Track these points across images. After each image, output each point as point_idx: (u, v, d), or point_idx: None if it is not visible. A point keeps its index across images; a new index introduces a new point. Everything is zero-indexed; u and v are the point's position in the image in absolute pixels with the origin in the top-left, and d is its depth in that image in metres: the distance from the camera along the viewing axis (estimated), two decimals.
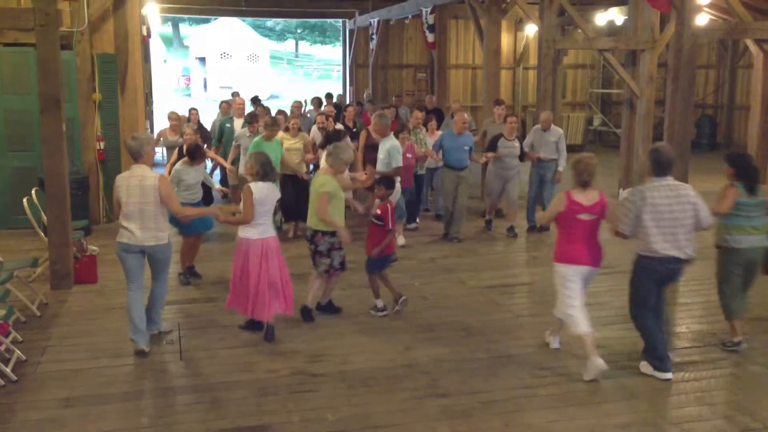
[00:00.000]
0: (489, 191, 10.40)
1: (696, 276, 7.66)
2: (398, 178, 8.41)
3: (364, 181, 7.44)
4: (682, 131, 9.06)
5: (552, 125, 10.29)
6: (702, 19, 10.74)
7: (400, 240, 9.23)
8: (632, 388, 5.28)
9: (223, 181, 11.79)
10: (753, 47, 12.30)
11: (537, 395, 5.19)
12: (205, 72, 43.12)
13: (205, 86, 42.31)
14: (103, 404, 5.01)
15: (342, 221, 6.53)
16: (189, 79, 43.94)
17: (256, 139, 9.15)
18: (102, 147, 10.40)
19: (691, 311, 7.07)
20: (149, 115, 15.51)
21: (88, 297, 7.30)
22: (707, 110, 21.23)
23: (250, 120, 10.13)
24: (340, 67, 24.69)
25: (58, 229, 7.55)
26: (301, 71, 50.36)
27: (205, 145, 9.68)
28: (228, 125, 11.50)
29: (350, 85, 21.99)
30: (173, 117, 11.36)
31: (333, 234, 6.50)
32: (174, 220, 6.61)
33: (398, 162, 8.55)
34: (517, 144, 9.91)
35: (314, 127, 11.19)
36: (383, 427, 4.73)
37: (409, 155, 9.48)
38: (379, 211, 6.73)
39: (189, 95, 40.55)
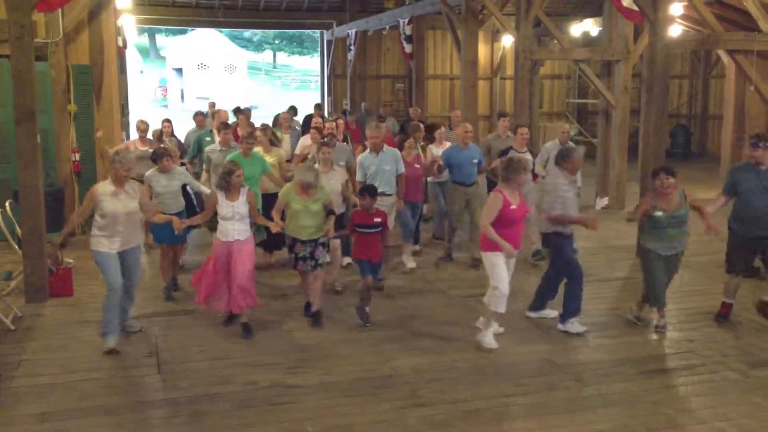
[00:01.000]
0: None
1: (674, 283, 7.75)
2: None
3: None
4: (657, 141, 9.18)
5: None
6: (675, 31, 10.89)
7: (410, 263, 8.74)
8: (610, 396, 5.31)
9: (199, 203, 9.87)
10: (725, 58, 12.56)
11: (517, 404, 5.20)
12: (182, 83, 42.95)
13: (182, 97, 42.12)
14: (79, 418, 4.93)
15: (302, 229, 6.72)
16: (166, 90, 43.72)
17: (233, 155, 8.08)
18: (77, 158, 10.30)
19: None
20: (125, 126, 15.39)
21: (64, 310, 7.20)
22: (681, 120, 21.54)
23: (223, 128, 9.09)
24: (318, 78, 24.70)
25: (32, 242, 7.45)
26: (279, 82, 50.34)
27: (181, 162, 9.20)
28: (208, 139, 10.28)
29: (328, 95, 22.03)
30: (142, 126, 10.51)
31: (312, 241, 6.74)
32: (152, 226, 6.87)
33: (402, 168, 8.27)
34: (529, 157, 8.80)
35: (304, 139, 10.14)
36: None
37: (416, 165, 8.86)
38: (379, 219, 6.77)
39: (166, 106, 40.34)
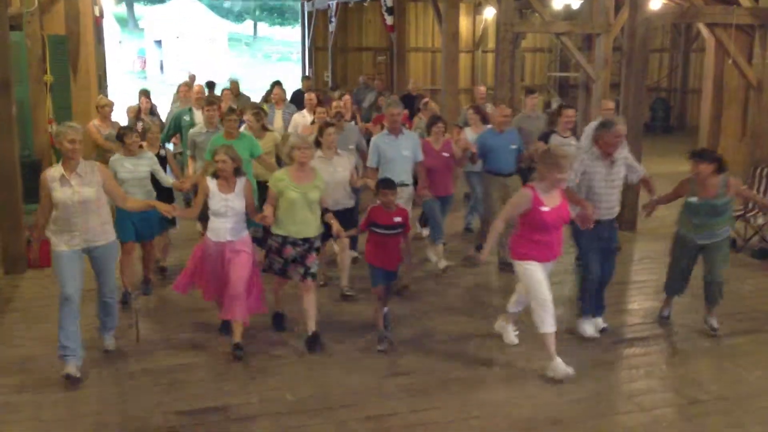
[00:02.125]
0: None
1: (649, 255, 7.87)
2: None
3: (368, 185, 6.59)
4: (636, 114, 9.24)
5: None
6: (655, 4, 10.93)
7: (441, 262, 7.59)
8: (586, 365, 5.41)
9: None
10: (705, 31, 12.57)
11: (494, 374, 5.29)
12: (161, 54, 42.35)
13: (161, 68, 41.55)
14: (58, 391, 4.95)
15: (295, 226, 5.56)
16: (144, 62, 43.10)
17: (215, 137, 7.02)
18: (54, 130, 10.17)
19: (642, 289, 7.24)
20: None
21: (42, 282, 7.17)
22: (661, 93, 21.64)
23: (207, 104, 7.80)
24: (299, 50, 24.46)
25: (9, 213, 7.41)
26: (260, 54, 49.78)
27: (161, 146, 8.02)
28: (186, 118, 9.06)
29: (310, 67, 21.85)
30: (102, 103, 9.06)
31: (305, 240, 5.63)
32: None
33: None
34: (574, 142, 7.73)
35: (297, 117, 9.43)
36: (343, 406, 4.78)
37: (445, 154, 7.57)
38: (399, 218, 5.71)
39: (145, 78, 39.81)
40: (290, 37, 49.26)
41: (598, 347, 5.75)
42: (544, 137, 7.61)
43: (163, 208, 5.47)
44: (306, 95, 9.97)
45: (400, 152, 6.98)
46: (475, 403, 4.81)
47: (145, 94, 11.38)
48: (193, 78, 16.27)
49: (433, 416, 4.65)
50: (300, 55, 24.08)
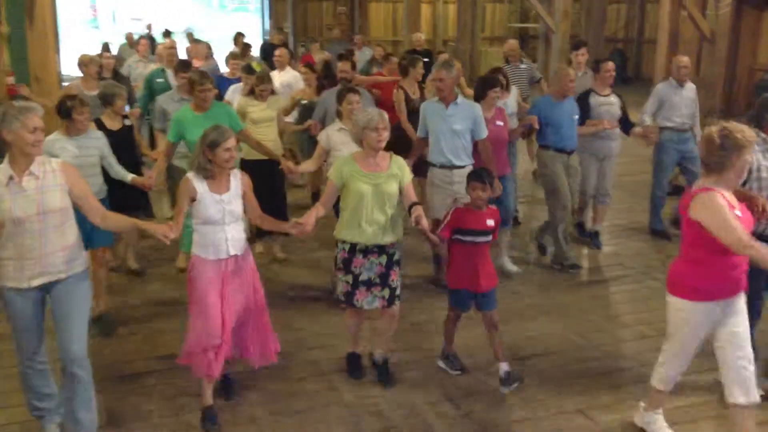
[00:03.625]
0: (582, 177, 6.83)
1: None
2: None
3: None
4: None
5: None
6: None
7: (511, 265, 6.36)
8: (543, 306, 5.73)
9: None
10: None
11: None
12: (114, 1, 41.01)
13: (114, 18, 40.31)
14: None
15: (362, 230, 4.21)
16: (96, 10, 41.74)
17: (180, 111, 5.66)
18: (13, 82, 9.98)
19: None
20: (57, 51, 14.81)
21: None
22: (618, 44, 21.94)
23: (181, 69, 6.53)
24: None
25: None
26: (216, 2, 48.54)
27: (129, 109, 7.06)
28: (160, 80, 7.85)
29: (269, 18, 21.53)
30: (85, 60, 7.52)
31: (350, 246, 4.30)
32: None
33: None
34: (614, 101, 6.71)
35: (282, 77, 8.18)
36: (315, 348, 5.00)
37: (499, 122, 6.04)
38: (492, 222, 4.42)
39: (97, 27, 38.60)
40: None
41: (556, 289, 6.07)
42: (583, 99, 6.61)
43: (159, 231, 3.74)
44: (276, 52, 8.67)
45: (451, 126, 5.54)
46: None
47: (106, 48, 10.78)
48: (149, 27, 15.85)
49: None
50: (259, 4, 23.65)
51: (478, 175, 4.40)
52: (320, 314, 5.51)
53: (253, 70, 7.29)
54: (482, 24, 20.77)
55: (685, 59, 7.13)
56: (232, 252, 4.00)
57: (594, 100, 6.66)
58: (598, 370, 4.73)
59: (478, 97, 5.97)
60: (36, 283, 3.55)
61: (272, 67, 8.71)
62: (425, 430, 4.05)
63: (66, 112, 4.92)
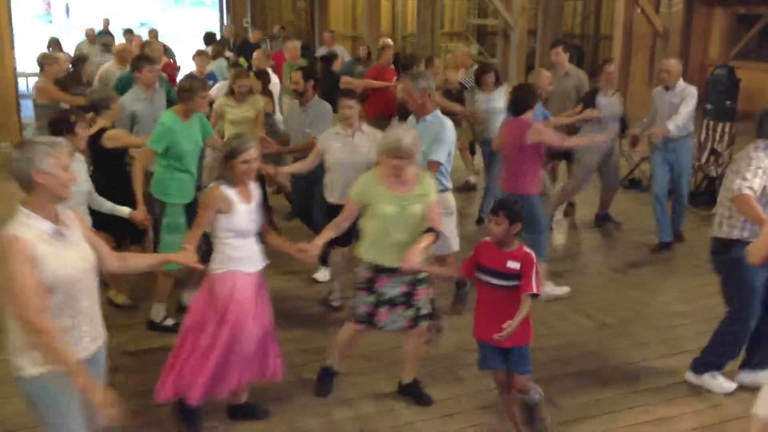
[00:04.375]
0: (581, 167, 7.22)
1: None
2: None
3: None
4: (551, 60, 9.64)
5: (681, 80, 6.66)
6: None
7: (560, 289, 5.84)
8: None
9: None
10: None
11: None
12: None
13: (67, 12, 39.48)
14: None
15: (387, 252, 3.92)
16: (49, 4, 40.83)
17: (166, 116, 4.85)
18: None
19: (561, 227, 7.76)
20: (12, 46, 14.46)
21: None
22: (575, 40, 22.30)
23: (137, 66, 5.97)
24: None
25: None
26: None
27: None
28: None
29: (227, 12, 21.36)
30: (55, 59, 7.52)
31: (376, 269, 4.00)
32: None
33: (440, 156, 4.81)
34: (617, 100, 7.05)
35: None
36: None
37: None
38: (517, 265, 3.55)
39: (51, 22, 37.80)
40: None
41: None
42: (590, 98, 6.84)
43: (189, 259, 3.47)
44: (255, 53, 8.91)
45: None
46: None
47: (56, 43, 10.58)
48: (107, 22, 15.55)
49: None
50: None
51: (503, 207, 3.59)
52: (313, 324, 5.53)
53: (243, 68, 7.24)
54: (441, 20, 20.93)
55: (667, 63, 6.72)
56: (263, 262, 3.86)
57: (600, 100, 6.87)
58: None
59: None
60: (93, 350, 2.91)
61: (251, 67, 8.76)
62: None
63: (70, 125, 4.37)
